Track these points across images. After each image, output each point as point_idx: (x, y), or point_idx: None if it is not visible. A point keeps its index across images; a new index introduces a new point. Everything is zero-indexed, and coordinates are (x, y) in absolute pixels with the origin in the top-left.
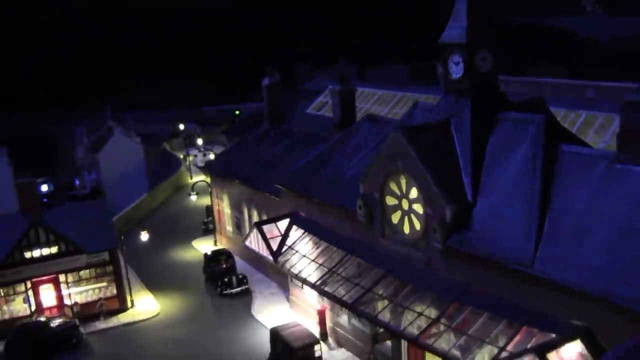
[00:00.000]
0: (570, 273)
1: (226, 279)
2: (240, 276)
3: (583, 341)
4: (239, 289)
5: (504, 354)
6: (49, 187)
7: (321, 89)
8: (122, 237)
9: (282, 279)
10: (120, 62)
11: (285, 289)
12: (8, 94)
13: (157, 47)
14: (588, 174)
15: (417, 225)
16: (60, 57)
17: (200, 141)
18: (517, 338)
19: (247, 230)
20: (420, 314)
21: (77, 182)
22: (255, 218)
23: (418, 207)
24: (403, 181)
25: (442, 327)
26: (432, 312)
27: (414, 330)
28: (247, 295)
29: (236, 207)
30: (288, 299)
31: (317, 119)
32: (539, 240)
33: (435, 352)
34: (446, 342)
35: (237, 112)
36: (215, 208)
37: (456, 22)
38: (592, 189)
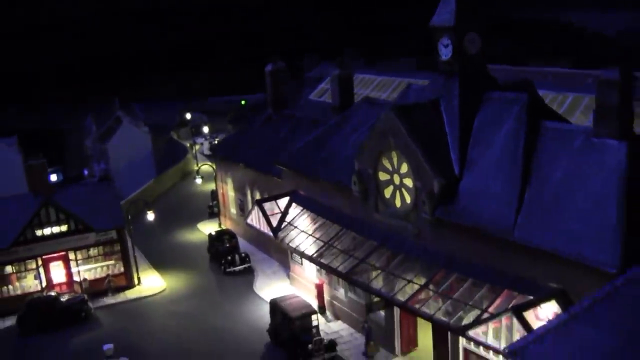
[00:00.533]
0: (547, 239)
1: (229, 258)
2: (243, 255)
3: (558, 301)
4: (241, 266)
5: (485, 316)
6: (58, 177)
7: (324, 77)
8: (130, 217)
9: (284, 258)
10: (129, 56)
11: (286, 267)
12: (18, 88)
13: (168, 42)
14: (567, 148)
15: (408, 199)
16: (68, 52)
17: (206, 129)
18: (498, 301)
19: None
20: (409, 282)
21: (86, 172)
22: None
23: (408, 182)
24: (394, 157)
25: (429, 293)
26: (421, 280)
27: (403, 296)
28: (249, 273)
29: (240, 190)
30: (288, 276)
31: (319, 104)
32: (519, 209)
33: (422, 315)
34: (433, 306)
35: (243, 102)
36: (220, 191)
37: (445, 7)
38: (570, 161)
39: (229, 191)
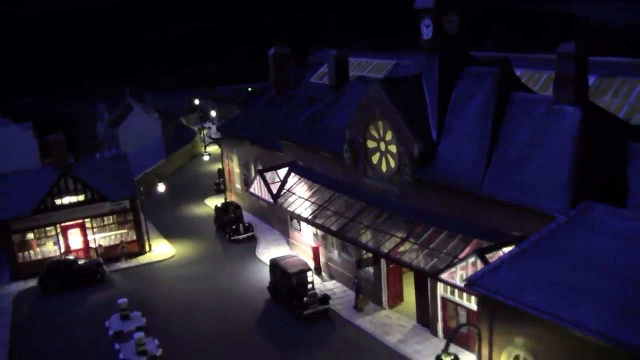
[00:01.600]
0: (510, 192)
1: (234, 227)
2: (247, 224)
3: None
4: (245, 235)
5: (455, 261)
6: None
7: (325, 61)
8: (141, 190)
9: (284, 227)
10: (140, 47)
11: (286, 235)
12: (32, 77)
13: (179, 33)
14: (531, 114)
15: (392, 163)
16: (80, 41)
17: (214, 114)
18: (468, 249)
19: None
20: (392, 236)
21: (98, 157)
22: None
23: (392, 148)
24: (380, 126)
25: (410, 245)
26: (403, 233)
27: (387, 248)
28: (252, 241)
29: (245, 166)
30: (288, 243)
31: (320, 86)
32: (487, 168)
33: (403, 263)
34: (413, 256)
35: (250, 89)
36: (226, 168)
37: None
38: (533, 125)
39: (234, 167)
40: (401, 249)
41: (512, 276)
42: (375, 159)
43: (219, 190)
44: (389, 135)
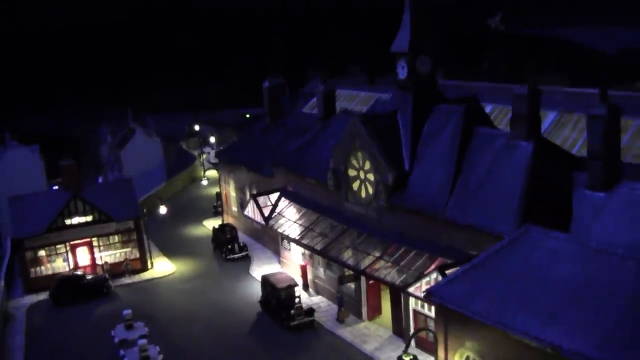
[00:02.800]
0: (469, 216)
1: (229, 246)
2: (242, 244)
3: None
4: (240, 254)
5: (421, 277)
6: None
7: (316, 92)
8: (145, 211)
9: (276, 247)
10: (143, 65)
11: (278, 254)
12: (34, 94)
13: (178, 55)
14: (491, 147)
15: (370, 190)
16: (86, 61)
17: (213, 139)
18: (433, 266)
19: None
20: (368, 254)
21: (100, 180)
22: None
23: (370, 176)
24: (360, 156)
25: (383, 263)
26: (378, 252)
27: (364, 265)
28: (246, 259)
29: (240, 190)
30: (279, 261)
31: (311, 116)
32: (451, 194)
33: (377, 279)
34: (385, 272)
35: (247, 115)
36: (223, 192)
37: (402, 35)
38: (493, 157)
39: (231, 191)
40: (376, 266)
41: (463, 288)
42: (355, 185)
43: (217, 212)
44: (367, 165)
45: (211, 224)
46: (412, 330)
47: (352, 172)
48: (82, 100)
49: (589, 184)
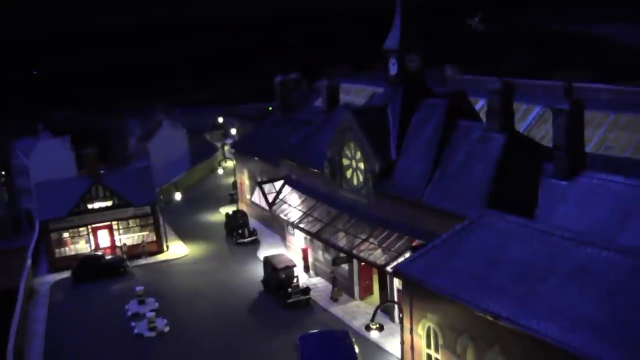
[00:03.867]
0: (442, 202)
1: (240, 231)
2: (252, 229)
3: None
4: (249, 239)
5: (398, 256)
6: None
7: None
8: (162, 198)
9: (283, 232)
10: (175, 64)
11: (284, 239)
12: (72, 91)
13: (207, 53)
14: (469, 139)
15: (361, 178)
16: (116, 59)
17: (233, 131)
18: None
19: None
20: (356, 237)
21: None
22: None
23: (361, 165)
24: (352, 147)
25: (369, 244)
26: (365, 235)
27: (352, 246)
28: (255, 244)
29: (253, 178)
30: (285, 245)
31: (321, 110)
32: (429, 182)
33: (361, 258)
34: (370, 253)
35: (270, 108)
36: (238, 181)
37: (393, 34)
38: (469, 148)
39: (245, 180)
40: (362, 247)
41: (425, 265)
42: (348, 174)
43: (233, 200)
44: (358, 155)
45: (227, 210)
46: (395, 307)
47: (345, 161)
48: (116, 96)
49: (554, 173)
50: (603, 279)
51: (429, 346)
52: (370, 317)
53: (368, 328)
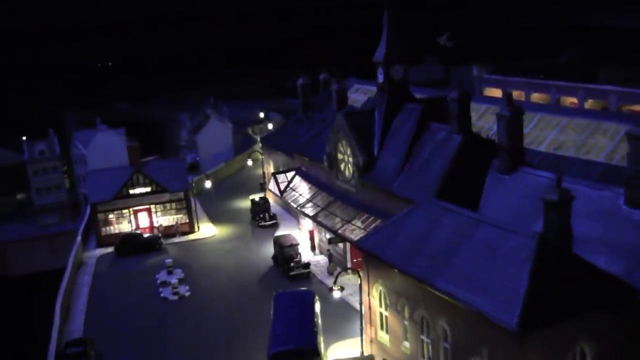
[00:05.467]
0: (407, 191)
1: (262, 215)
2: (272, 214)
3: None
4: (270, 222)
5: None
6: None
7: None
8: (194, 185)
9: (299, 217)
10: (227, 55)
11: (299, 222)
12: (128, 85)
13: (256, 47)
14: (435, 139)
15: (350, 170)
16: (174, 52)
17: (270, 126)
18: None
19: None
20: (342, 219)
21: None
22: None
23: (351, 159)
24: (344, 144)
25: (351, 226)
26: (350, 217)
27: (337, 227)
28: (275, 226)
29: (276, 169)
30: (298, 228)
31: None
32: (399, 175)
33: (342, 236)
34: (351, 231)
35: None
36: (265, 171)
37: (381, 48)
38: (434, 147)
39: (270, 170)
40: (346, 227)
41: (378, 240)
42: (342, 166)
43: (262, 188)
44: (348, 151)
45: (256, 198)
46: None
47: (340, 156)
48: (170, 90)
49: (499, 168)
50: (499, 253)
51: (381, 306)
52: (356, 287)
53: (331, 290)
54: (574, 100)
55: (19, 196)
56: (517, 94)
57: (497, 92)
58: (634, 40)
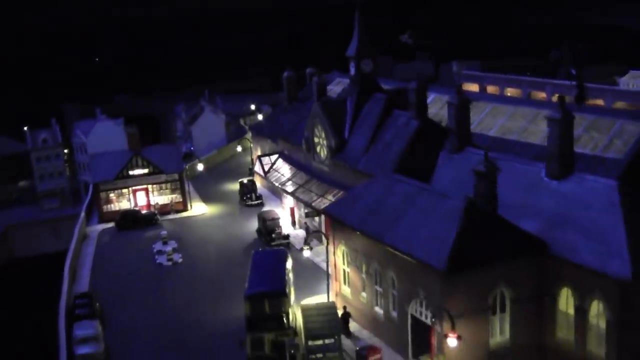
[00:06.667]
0: (370, 168)
1: (249, 195)
2: (259, 194)
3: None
4: (256, 202)
5: None
6: None
7: (332, 80)
8: (186, 167)
9: (282, 196)
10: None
11: (282, 201)
12: (127, 79)
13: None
14: (397, 123)
15: (325, 152)
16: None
17: (260, 117)
18: None
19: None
20: (316, 194)
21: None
22: None
23: (325, 142)
24: (319, 129)
25: (323, 199)
26: (322, 192)
27: (311, 201)
28: (261, 205)
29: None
30: (282, 206)
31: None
32: (364, 154)
33: (316, 208)
34: (324, 204)
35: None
36: (254, 157)
37: (352, 43)
38: (395, 130)
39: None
40: (318, 201)
41: (342, 207)
42: (318, 149)
43: (251, 173)
44: (323, 135)
45: (245, 181)
46: None
47: (316, 139)
48: (170, 84)
49: (449, 148)
50: (436, 214)
51: (344, 263)
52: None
53: (301, 249)
54: (543, 94)
55: (22, 183)
56: (493, 89)
57: (474, 87)
58: (626, 38)
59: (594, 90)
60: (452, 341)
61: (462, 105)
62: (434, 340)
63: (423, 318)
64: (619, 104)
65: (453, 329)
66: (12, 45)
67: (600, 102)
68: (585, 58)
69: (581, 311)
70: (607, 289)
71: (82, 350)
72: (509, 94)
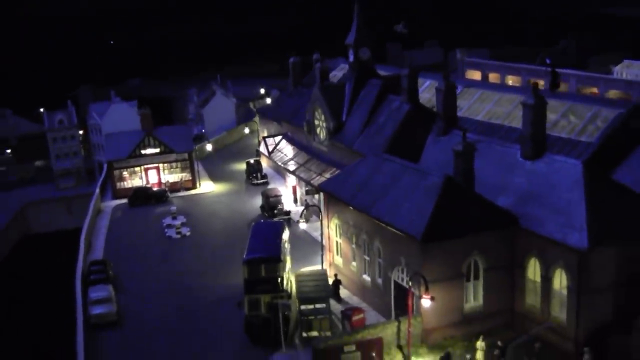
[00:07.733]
0: (363, 148)
1: (254, 175)
2: (264, 174)
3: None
4: (261, 180)
5: None
6: None
7: (334, 67)
8: (196, 148)
9: (285, 175)
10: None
11: (285, 180)
12: (141, 63)
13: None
14: (390, 107)
15: (324, 133)
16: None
17: (268, 100)
18: None
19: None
20: (315, 172)
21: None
22: None
23: (324, 124)
24: (319, 112)
25: (321, 177)
26: (321, 171)
27: (309, 178)
28: (266, 184)
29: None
30: (285, 185)
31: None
32: (360, 135)
33: (311, 184)
34: (321, 181)
35: None
36: (260, 139)
37: (351, 32)
38: (389, 113)
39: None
40: (317, 178)
41: (337, 183)
42: (318, 130)
43: (258, 154)
44: (322, 117)
45: (253, 161)
46: None
47: (316, 122)
48: (183, 68)
49: (436, 131)
50: (418, 189)
51: (336, 235)
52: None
53: (298, 222)
54: (542, 82)
55: (38, 163)
56: (494, 76)
57: (477, 74)
58: (633, 27)
59: (587, 79)
60: (425, 302)
61: (448, 91)
62: (411, 303)
63: (404, 284)
64: (612, 93)
65: (427, 291)
66: (26, 31)
67: (594, 90)
68: (593, 48)
69: (546, 279)
70: (568, 258)
71: (97, 310)
72: (510, 82)
